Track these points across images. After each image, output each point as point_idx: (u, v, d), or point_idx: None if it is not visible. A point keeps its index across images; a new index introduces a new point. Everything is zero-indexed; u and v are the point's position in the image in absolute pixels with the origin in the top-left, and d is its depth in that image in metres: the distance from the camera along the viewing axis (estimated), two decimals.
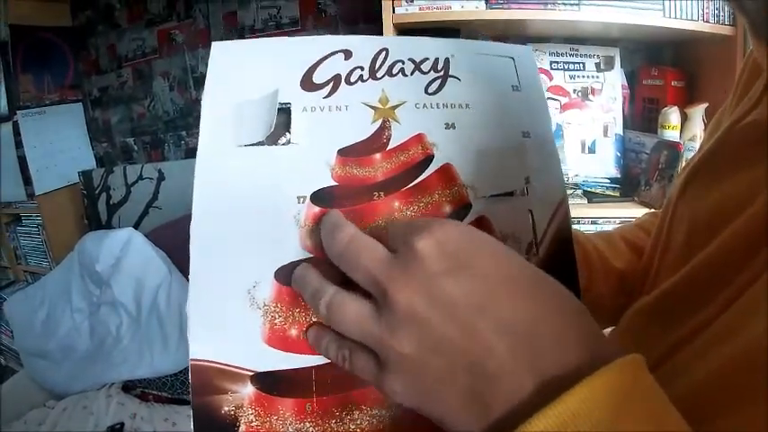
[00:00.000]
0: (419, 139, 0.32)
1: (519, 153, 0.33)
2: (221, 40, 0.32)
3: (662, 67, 1.30)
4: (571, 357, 0.21)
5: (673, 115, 1.20)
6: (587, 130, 1.31)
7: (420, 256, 0.23)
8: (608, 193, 1.28)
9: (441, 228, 0.24)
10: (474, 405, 0.21)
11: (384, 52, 0.32)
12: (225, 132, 0.30)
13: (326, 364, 0.28)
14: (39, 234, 1.84)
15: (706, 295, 0.28)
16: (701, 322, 0.28)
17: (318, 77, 0.31)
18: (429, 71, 0.33)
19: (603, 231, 0.53)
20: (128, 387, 1.34)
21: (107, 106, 1.88)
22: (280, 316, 0.28)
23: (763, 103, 0.31)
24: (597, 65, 1.32)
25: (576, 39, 1.34)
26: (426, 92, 0.33)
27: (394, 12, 1.19)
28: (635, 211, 1.19)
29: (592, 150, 1.31)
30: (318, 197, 0.29)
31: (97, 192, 1.72)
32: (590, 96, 1.31)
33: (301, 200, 0.29)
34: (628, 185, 1.27)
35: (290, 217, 0.29)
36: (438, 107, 0.32)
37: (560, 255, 0.33)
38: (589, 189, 1.28)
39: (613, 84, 1.31)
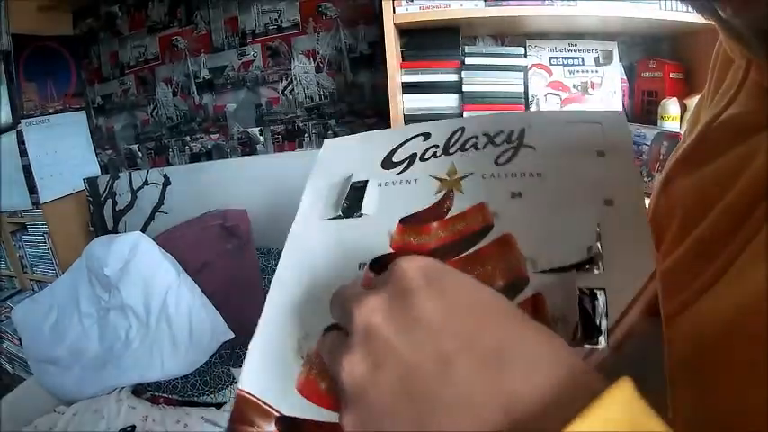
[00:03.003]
0: (480, 208, 0.31)
1: (590, 218, 0.29)
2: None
3: (660, 60, 1.32)
4: (542, 382, 0.18)
5: (672, 106, 1.21)
6: None
7: (395, 275, 0.22)
8: None
9: (418, 257, 0.23)
10: None
11: (461, 131, 0.34)
12: (316, 208, 0.35)
13: None
14: (44, 242, 1.85)
15: (704, 263, 0.28)
16: (702, 284, 0.28)
17: (397, 157, 0.35)
18: (502, 143, 0.33)
19: None
20: (138, 391, 1.34)
21: (110, 114, 1.89)
22: (316, 368, 0.29)
23: (739, 100, 0.32)
24: (596, 59, 1.34)
25: (574, 34, 1.36)
26: (496, 163, 0.32)
27: (394, 12, 1.20)
28: None
29: None
30: (375, 263, 0.31)
31: (103, 198, 1.73)
32: (590, 91, 1.33)
33: (362, 266, 0.31)
34: None
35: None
36: (505, 176, 0.31)
37: (640, 349, 0.25)
38: None
39: (612, 78, 1.33)
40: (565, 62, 1.34)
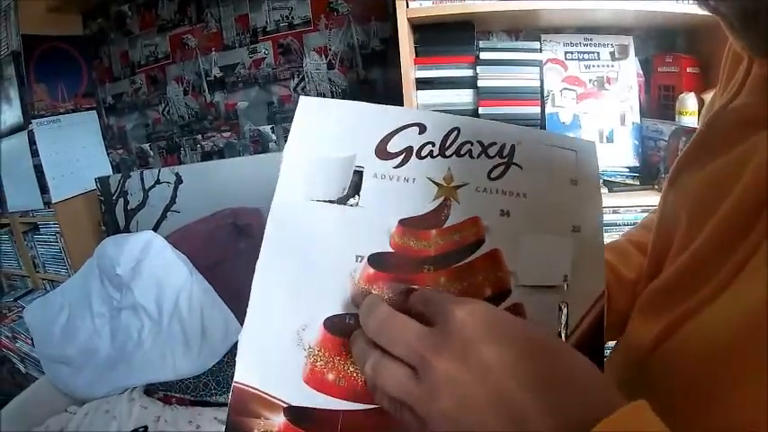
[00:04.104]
0: (474, 221, 0.34)
1: (565, 247, 0.35)
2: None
3: (676, 54, 1.30)
4: (584, 402, 0.24)
5: (690, 101, 1.19)
6: (604, 119, 1.30)
7: (457, 327, 0.26)
8: (628, 182, 1.27)
9: (471, 304, 0.27)
10: None
11: (456, 131, 0.35)
12: (300, 184, 0.33)
13: (355, 410, 0.31)
14: (56, 242, 1.85)
15: (708, 273, 0.29)
16: (705, 296, 0.29)
17: (392, 147, 0.34)
18: (495, 156, 0.35)
19: (613, 241, 0.54)
20: (150, 390, 1.33)
21: (122, 113, 1.90)
22: (321, 360, 0.31)
23: (743, 92, 0.33)
24: (612, 54, 1.32)
25: (588, 28, 1.34)
26: (489, 176, 0.35)
27: (407, 6, 1.19)
28: (655, 199, 1.16)
29: (610, 140, 1.30)
30: (375, 260, 0.32)
31: (114, 197, 1.73)
32: (606, 86, 1.31)
33: (359, 259, 0.32)
34: (647, 174, 1.27)
35: (347, 272, 0.32)
36: (497, 193, 0.34)
37: (591, 342, 0.34)
38: (609, 178, 1.27)
39: (628, 72, 1.31)
40: (580, 57, 1.32)
